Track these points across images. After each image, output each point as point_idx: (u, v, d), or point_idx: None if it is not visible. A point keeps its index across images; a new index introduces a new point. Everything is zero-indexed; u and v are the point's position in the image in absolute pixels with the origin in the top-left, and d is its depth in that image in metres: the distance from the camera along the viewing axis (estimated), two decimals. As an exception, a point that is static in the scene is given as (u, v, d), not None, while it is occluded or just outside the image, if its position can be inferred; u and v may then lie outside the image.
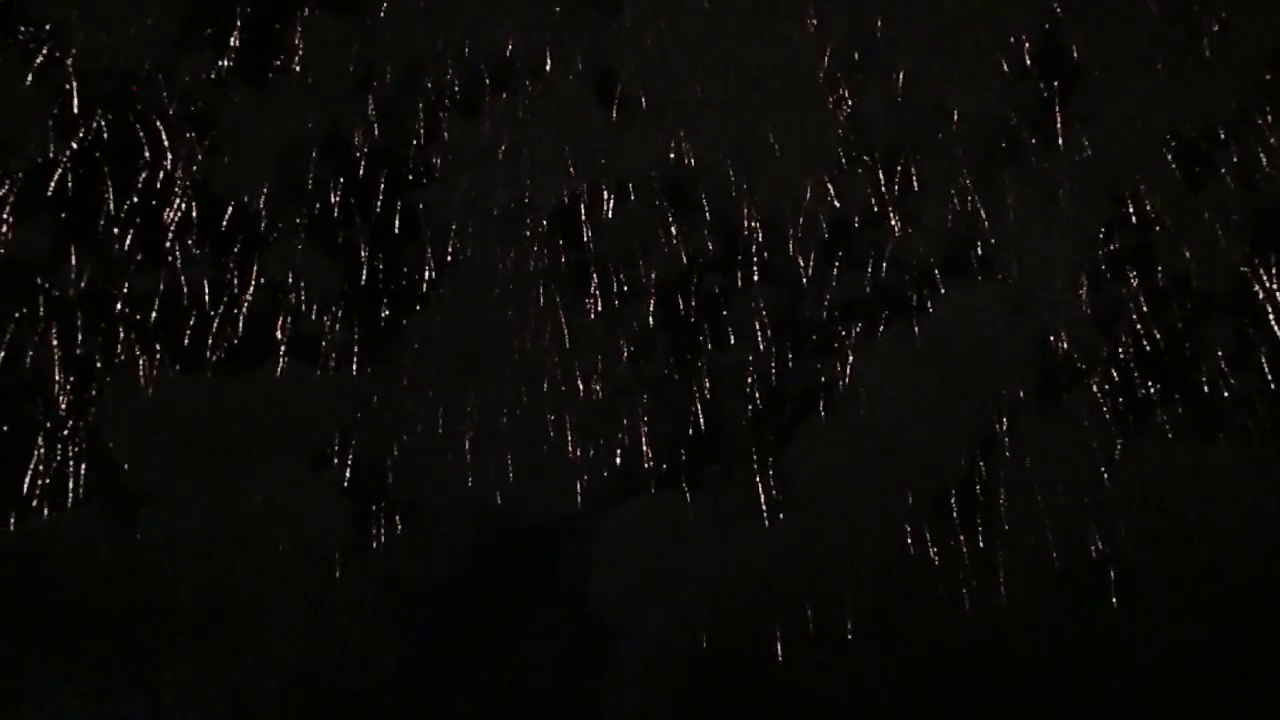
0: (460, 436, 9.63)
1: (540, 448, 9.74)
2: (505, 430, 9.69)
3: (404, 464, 9.61)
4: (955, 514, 9.68)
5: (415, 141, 9.92)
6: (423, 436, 9.60)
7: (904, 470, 9.74)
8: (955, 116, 10.13)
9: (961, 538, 9.60)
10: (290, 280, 9.70)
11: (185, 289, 9.63)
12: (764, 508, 9.70)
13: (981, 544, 9.62)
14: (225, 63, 9.76)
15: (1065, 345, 9.92)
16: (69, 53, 9.61)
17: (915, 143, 10.14)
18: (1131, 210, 10.08)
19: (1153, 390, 9.77)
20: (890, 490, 9.73)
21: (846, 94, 10.11)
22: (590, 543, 9.75)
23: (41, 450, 9.33)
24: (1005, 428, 9.75)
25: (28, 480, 9.27)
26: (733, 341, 9.97)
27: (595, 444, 9.83)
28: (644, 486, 9.80)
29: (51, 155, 9.56)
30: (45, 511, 9.28)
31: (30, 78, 9.56)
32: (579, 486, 9.75)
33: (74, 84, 9.56)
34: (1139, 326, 9.91)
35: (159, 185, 9.72)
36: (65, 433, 9.38)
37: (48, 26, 9.50)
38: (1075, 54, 10.23)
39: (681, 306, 9.97)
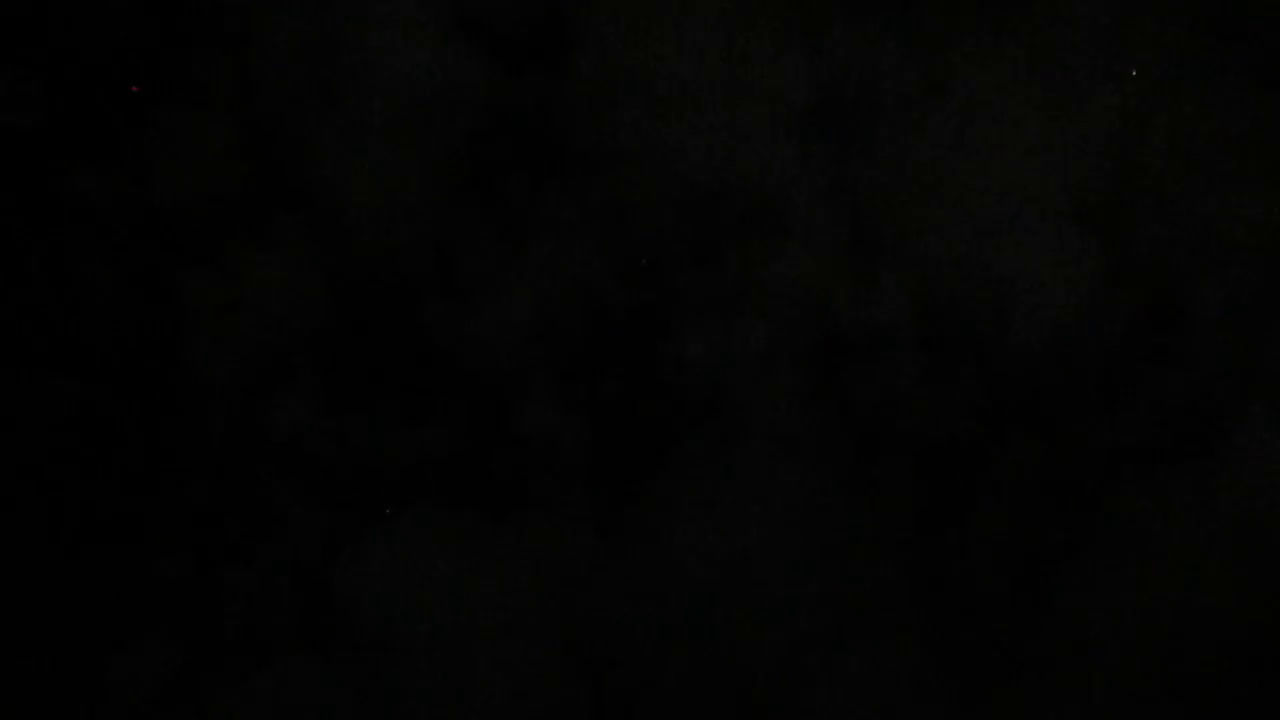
0: (707, 600, 9.16)
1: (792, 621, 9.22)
2: (757, 601, 9.19)
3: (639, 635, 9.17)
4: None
5: (659, 292, 9.54)
6: (664, 600, 9.16)
7: (1200, 646, 8.86)
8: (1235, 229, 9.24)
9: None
10: (538, 438, 9.40)
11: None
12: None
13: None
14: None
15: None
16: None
17: (1189, 262, 9.27)
18: None
19: None
20: (1183, 665, 8.90)
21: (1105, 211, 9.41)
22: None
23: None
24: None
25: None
26: (993, 498, 9.25)
27: (848, 600, 9.32)
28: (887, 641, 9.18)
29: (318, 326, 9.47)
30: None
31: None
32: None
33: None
34: None
35: (413, 350, 9.54)
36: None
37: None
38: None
39: (939, 462, 9.31)
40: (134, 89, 9.32)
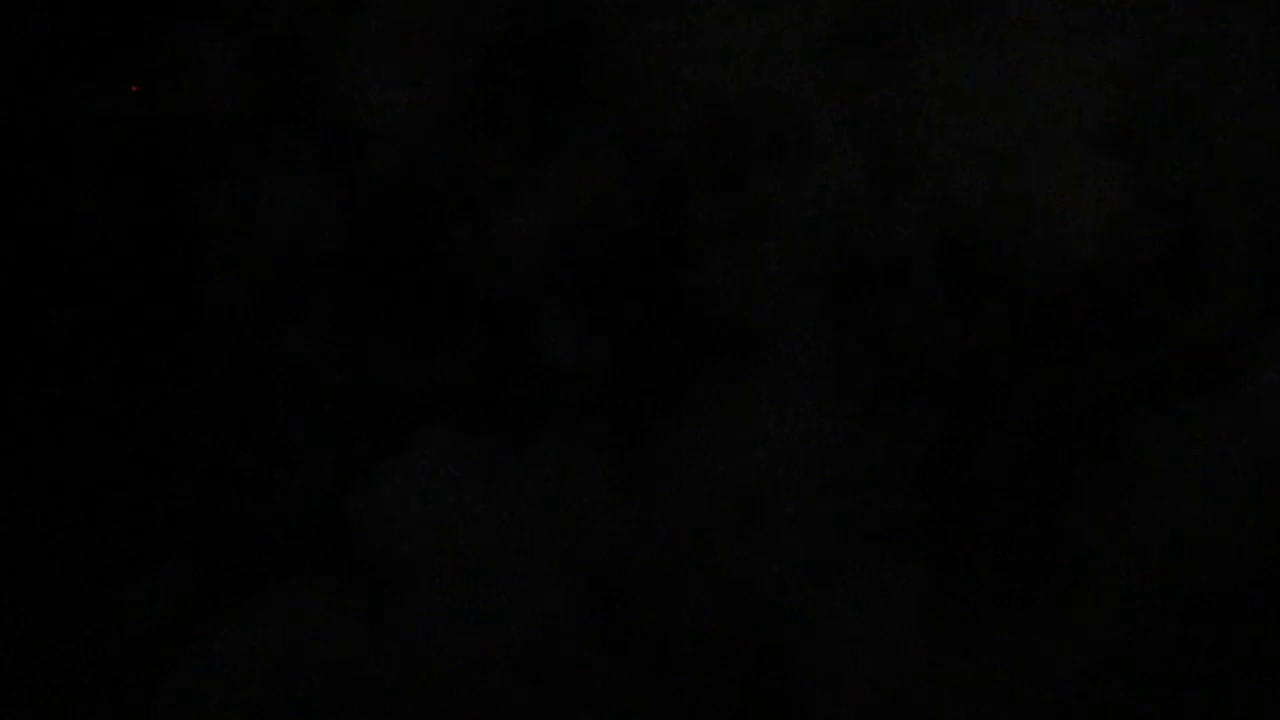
0: (723, 527, 9.04)
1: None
2: (773, 527, 9.02)
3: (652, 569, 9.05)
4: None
5: (680, 216, 9.31)
6: (680, 526, 9.03)
7: (1215, 578, 8.71)
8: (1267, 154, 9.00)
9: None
10: (555, 364, 9.24)
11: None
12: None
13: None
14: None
15: None
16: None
17: (1219, 188, 9.04)
18: None
19: None
20: (1194, 597, 8.75)
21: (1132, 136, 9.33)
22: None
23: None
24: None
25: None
26: (1010, 427, 9.11)
27: (863, 528, 9.23)
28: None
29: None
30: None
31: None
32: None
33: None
34: None
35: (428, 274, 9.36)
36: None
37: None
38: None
39: (958, 390, 9.12)
40: (134, 89, 9.11)
